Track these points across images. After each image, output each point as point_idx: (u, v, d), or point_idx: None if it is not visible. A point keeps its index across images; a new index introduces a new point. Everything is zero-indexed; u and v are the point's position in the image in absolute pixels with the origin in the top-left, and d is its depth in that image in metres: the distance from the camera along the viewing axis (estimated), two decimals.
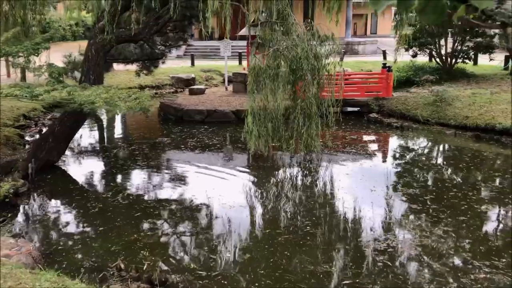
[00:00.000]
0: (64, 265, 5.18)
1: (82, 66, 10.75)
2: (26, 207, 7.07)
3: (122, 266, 5.04)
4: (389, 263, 5.22)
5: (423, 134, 11.70)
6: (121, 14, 9.69)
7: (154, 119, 14.31)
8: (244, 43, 24.65)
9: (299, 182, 8.62)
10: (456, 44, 15.92)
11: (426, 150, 10.02)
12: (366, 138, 11.94)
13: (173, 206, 7.14)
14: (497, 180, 8.09)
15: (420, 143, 10.61)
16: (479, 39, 15.45)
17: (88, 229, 6.31)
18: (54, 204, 7.17)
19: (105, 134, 12.09)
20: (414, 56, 16.48)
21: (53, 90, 6.84)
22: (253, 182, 8.55)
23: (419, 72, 15.74)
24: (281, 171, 9.15)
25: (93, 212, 6.87)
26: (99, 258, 5.41)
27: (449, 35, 16.00)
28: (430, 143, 10.71)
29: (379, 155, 10.14)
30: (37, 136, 11.62)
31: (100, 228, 6.30)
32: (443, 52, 16.31)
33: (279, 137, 10.13)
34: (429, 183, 8.09)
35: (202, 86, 17.62)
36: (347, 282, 4.86)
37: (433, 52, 16.40)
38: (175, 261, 5.36)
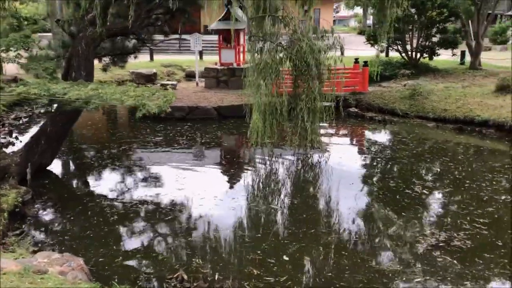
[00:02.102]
0: (116, 279, 4.75)
1: (69, 61, 9.99)
2: (38, 216, 6.41)
3: (185, 276, 4.69)
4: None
5: (406, 127, 12.05)
6: (112, 6, 9.07)
7: (128, 116, 13.63)
8: (210, 37, 24.28)
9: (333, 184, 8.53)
10: (421, 39, 16.58)
11: (417, 143, 10.31)
12: (354, 132, 12.10)
13: (198, 209, 6.80)
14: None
15: (409, 136, 10.91)
16: (444, 35, 16.20)
17: (119, 238, 5.84)
18: (67, 212, 6.56)
19: (85, 133, 11.28)
20: (383, 51, 16.96)
21: (71, 87, 6.22)
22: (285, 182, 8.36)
23: (388, 67, 16.23)
24: (297, 169, 9.03)
25: (114, 219, 6.38)
26: (150, 268, 5.02)
27: (415, 30, 16.64)
28: (417, 136, 11.04)
29: (375, 149, 10.30)
30: (8, 138, 10.65)
31: (132, 237, 5.86)
32: (408, 47, 16.93)
33: (283, 132, 10.08)
34: (438, 175, 8.33)
35: (174, 82, 17.04)
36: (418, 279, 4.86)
37: (399, 47, 16.96)
38: (234, 267, 5.08)
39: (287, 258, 5.26)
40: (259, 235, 5.88)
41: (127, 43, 13.37)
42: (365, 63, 14.29)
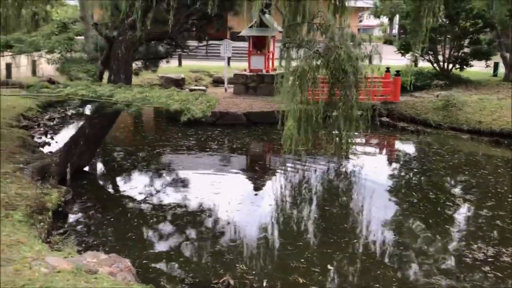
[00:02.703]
0: (162, 282, 4.74)
1: (104, 64, 10.14)
2: (79, 216, 6.47)
3: (231, 282, 4.65)
4: None
5: (440, 139, 11.84)
6: (152, 10, 9.16)
7: (160, 121, 13.72)
8: (236, 44, 24.35)
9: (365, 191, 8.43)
10: (453, 50, 16.35)
11: (452, 155, 10.11)
12: (387, 142, 11.95)
13: (236, 214, 6.76)
14: None
15: (444, 148, 10.71)
16: (477, 46, 15.95)
17: (161, 240, 5.84)
18: (107, 213, 6.60)
19: (118, 136, 11.39)
20: (415, 61, 16.77)
21: (117, 90, 6.28)
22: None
23: (420, 77, 16.02)
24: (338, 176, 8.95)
25: (153, 221, 6.39)
26: (195, 272, 4.99)
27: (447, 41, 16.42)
28: (452, 147, 10.83)
29: (410, 159, 10.13)
30: (44, 138, 10.83)
31: (174, 239, 5.85)
32: (440, 58, 16.71)
33: (317, 140, 10.00)
34: (478, 187, 8.14)
35: (202, 87, 17.14)
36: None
37: (431, 57, 16.75)
38: (279, 275, 5.01)
39: (331, 268, 5.18)
40: (301, 243, 5.81)
41: (160, 48, 13.52)
42: (397, 73, 14.13)
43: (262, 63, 15.92)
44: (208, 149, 10.51)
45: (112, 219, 6.42)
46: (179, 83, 19.01)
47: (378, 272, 5.11)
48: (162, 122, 13.40)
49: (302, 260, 5.31)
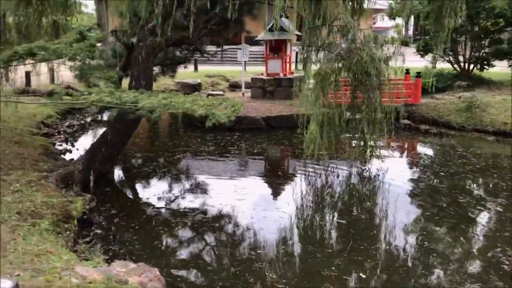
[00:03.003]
0: None
1: (123, 70, 10.13)
2: (104, 224, 6.41)
3: None
4: None
5: (465, 141, 11.59)
6: (172, 16, 9.14)
7: (177, 126, 13.69)
8: (251, 48, 24.29)
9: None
10: (473, 50, 16.04)
11: (479, 158, 9.86)
12: (410, 145, 11.73)
13: (263, 221, 6.65)
14: None
15: (469, 150, 10.45)
16: (499, 46, 15.62)
17: (187, 248, 5.76)
18: (132, 221, 6.54)
19: (138, 142, 11.37)
20: (434, 62, 16.51)
21: (141, 96, 6.22)
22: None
23: (440, 78, 15.74)
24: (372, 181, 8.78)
25: (179, 229, 6.33)
26: (224, 281, 4.89)
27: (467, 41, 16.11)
28: (478, 150, 10.57)
29: (436, 163, 9.89)
30: (64, 145, 10.85)
31: (200, 247, 5.76)
32: (460, 58, 16.41)
33: (340, 144, 9.86)
34: (510, 192, 7.90)
35: (220, 92, 17.10)
36: None
37: (451, 58, 16.45)
38: (311, 284, 4.88)
39: (364, 276, 5.02)
40: (330, 250, 5.67)
41: (177, 53, 13.52)
42: (418, 74, 13.90)
43: (279, 67, 15.81)
44: (228, 154, 10.44)
45: (137, 227, 6.36)
46: (195, 88, 19.02)
47: (413, 280, 4.95)
48: (179, 127, 13.37)
49: (333, 268, 5.17)
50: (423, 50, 16.61)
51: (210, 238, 6.09)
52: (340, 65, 8.84)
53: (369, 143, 8.74)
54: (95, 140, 10.51)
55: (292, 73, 16.54)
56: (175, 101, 5.89)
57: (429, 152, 10.98)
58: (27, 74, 15.52)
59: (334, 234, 6.28)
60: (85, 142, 11.86)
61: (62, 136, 11.56)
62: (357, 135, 8.78)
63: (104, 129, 14.04)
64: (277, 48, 15.82)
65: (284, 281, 4.89)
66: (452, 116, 12.95)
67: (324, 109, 8.61)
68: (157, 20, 8.50)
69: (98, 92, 6.32)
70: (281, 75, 15.74)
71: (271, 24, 15.55)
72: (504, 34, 16.20)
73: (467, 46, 16.22)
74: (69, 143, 11.07)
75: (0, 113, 10.03)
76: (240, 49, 17.05)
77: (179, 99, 6.08)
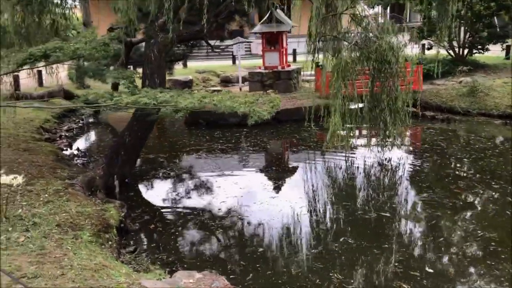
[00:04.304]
0: None
1: (143, 70, 9.72)
2: (140, 231, 6.10)
3: None
4: None
5: (474, 126, 11.62)
6: (183, 10, 8.82)
7: (179, 125, 13.32)
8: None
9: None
10: (468, 35, 16.15)
11: (494, 141, 9.88)
12: (422, 132, 11.64)
13: (304, 218, 6.44)
14: None
15: (482, 134, 10.46)
16: (491, 29, 15.75)
17: (240, 252, 5.50)
18: (168, 226, 6.24)
19: (147, 143, 10.94)
20: (429, 48, 16.55)
21: (178, 95, 5.90)
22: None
23: (437, 64, 15.75)
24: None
25: (220, 232, 6.07)
26: (291, 284, 4.66)
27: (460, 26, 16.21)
28: (490, 134, 10.60)
29: (454, 149, 9.84)
30: (69, 149, 10.39)
31: (251, 249, 5.51)
32: (454, 43, 16.50)
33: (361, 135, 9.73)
34: None
35: (218, 88, 16.76)
36: None
37: (445, 43, 16.51)
38: (382, 282, 4.71)
39: (431, 270, 4.88)
40: (386, 245, 5.50)
41: (176, 50, 13.14)
42: (419, 61, 13.86)
43: (277, 60, 15.56)
44: (244, 151, 10.18)
45: (176, 232, 6.06)
46: (187, 85, 18.57)
47: (484, 270, 4.84)
48: (182, 126, 12.98)
49: (397, 264, 5.01)
50: (418, 37, 16.60)
51: (257, 239, 5.85)
52: (358, 54, 8.72)
53: (391, 133, 8.62)
54: (98, 142, 10.14)
55: (289, 65, 16.32)
56: (216, 100, 5.60)
57: (443, 138, 10.92)
58: (16, 79, 14.83)
59: (383, 227, 6.11)
60: (89, 145, 11.42)
61: (64, 140, 11.06)
62: (378, 125, 8.65)
63: (98, 130, 13.67)
64: (274, 41, 15.57)
65: (352, 281, 4.71)
66: (455, 101, 12.99)
67: (343, 100, 8.48)
68: (168, 15, 8.18)
69: (125, 94, 5.98)
70: (279, 68, 15.50)
71: (266, 16, 15.37)
72: (495, 18, 16.34)
73: (461, 31, 16.32)
74: (74, 148, 10.59)
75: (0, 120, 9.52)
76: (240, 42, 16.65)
77: (216, 97, 5.79)
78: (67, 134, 11.85)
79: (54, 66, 9.00)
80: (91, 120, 14.37)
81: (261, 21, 15.40)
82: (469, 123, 11.85)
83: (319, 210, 6.78)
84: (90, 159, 9.49)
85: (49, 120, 12.59)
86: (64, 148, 10.26)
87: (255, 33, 15.87)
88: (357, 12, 8.95)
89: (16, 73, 14.65)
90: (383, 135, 8.69)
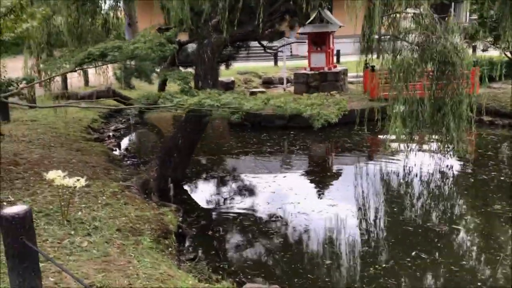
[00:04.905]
0: None
1: (197, 71, 9.59)
2: (198, 237, 5.88)
3: None
4: None
5: None
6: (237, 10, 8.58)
7: (226, 126, 13.14)
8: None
9: None
10: None
11: None
12: (481, 138, 10.97)
13: (370, 226, 6.08)
14: None
15: None
16: None
17: (300, 261, 5.21)
18: (227, 232, 6.01)
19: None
20: (485, 50, 15.78)
21: (242, 98, 5.67)
22: None
23: (495, 67, 14.99)
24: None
25: (284, 239, 5.79)
26: None
27: None
28: None
29: None
30: (118, 150, 10.36)
31: (317, 260, 5.21)
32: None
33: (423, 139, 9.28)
34: None
35: (263, 89, 16.54)
36: None
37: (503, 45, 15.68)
38: None
39: None
40: (464, 262, 5.07)
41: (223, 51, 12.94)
42: (475, 63, 13.20)
43: (324, 61, 15.18)
44: (294, 154, 9.90)
45: (235, 240, 5.83)
46: (229, 87, 18.46)
47: None
48: (227, 128, 12.78)
49: (480, 284, 4.58)
50: (470, 37, 15.86)
51: (318, 249, 5.54)
52: (421, 55, 8.28)
53: (455, 138, 8.12)
54: (146, 143, 10.05)
55: (336, 66, 15.91)
56: (280, 102, 5.32)
57: (508, 145, 10.26)
58: (64, 78, 15.03)
59: (458, 241, 5.68)
60: (137, 146, 11.39)
61: (113, 140, 11.05)
62: (440, 131, 8.17)
63: (144, 130, 13.66)
64: (320, 41, 15.20)
65: None
66: None
67: (407, 103, 8.08)
68: (222, 15, 8.00)
69: (194, 95, 5.79)
70: (326, 69, 15.11)
71: (313, 16, 15.00)
72: None
73: None
74: (122, 148, 10.57)
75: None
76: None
77: (281, 99, 5.51)
78: (115, 134, 11.85)
79: (105, 66, 8.99)
80: (136, 120, 14.37)
81: (308, 21, 15.04)
82: None
83: (384, 220, 6.39)
84: (140, 160, 9.39)
85: (97, 120, 12.66)
86: (114, 149, 10.23)
87: (302, 33, 15.52)
88: (419, 11, 8.54)
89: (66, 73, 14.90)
90: (446, 140, 8.21)
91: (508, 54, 15.70)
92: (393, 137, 8.28)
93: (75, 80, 17.27)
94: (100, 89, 14.62)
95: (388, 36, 8.59)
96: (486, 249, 5.38)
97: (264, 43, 13.27)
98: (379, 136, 10.82)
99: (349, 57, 21.08)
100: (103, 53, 6.65)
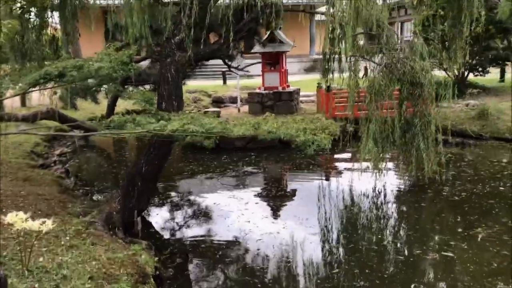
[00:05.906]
0: None
1: (159, 91, 8.95)
2: (177, 279, 5.26)
3: None
4: None
5: (492, 150, 11.26)
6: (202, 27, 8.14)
7: (182, 149, 12.47)
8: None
9: None
10: (469, 57, 16.04)
11: None
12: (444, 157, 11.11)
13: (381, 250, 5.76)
14: None
15: (509, 160, 10.10)
16: (489, 52, 15.73)
17: None
18: (210, 270, 5.45)
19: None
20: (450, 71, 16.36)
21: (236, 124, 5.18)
22: None
23: (438, 87, 15.56)
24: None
25: (268, 278, 5.30)
26: None
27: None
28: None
29: (489, 175, 9.31)
30: (67, 178, 9.43)
31: None
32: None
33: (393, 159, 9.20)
34: None
35: (216, 109, 16.05)
36: None
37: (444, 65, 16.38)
38: None
39: None
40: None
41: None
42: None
43: (278, 80, 15.02)
44: (259, 178, 9.48)
45: (220, 280, 5.26)
46: None
47: None
48: (181, 151, 12.14)
49: None
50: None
51: (312, 280, 5.13)
52: (390, 76, 8.26)
53: (425, 159, 8.11)
54: (96, 169, 9.20)
55: (289, 86, 15.80)
56: (272, 127, 4.91)
57: (470, 163, 10.40)
58: None
59: (452, 271, 5.49)
60: (87, 172, 10.48)
61: (60, 166, 10.08)
62: (410, 151, 8.16)
63: (91, 154, 12.70)
64: (274, 61, 15.05)
65: None
66: (465, 125, 12.67)
67: (377, 124, 8.03)
68: (185, 32, 7.58)
69: (158, 119, 5.24)
70: (280, 89, 14.95)
71: (266, 36, 14.83)
72: (495, 41, 16.35)
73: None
74: (72, 175, 9.64)
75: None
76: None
77: (273, 124, 5.11)
78: (61, 159, 10.86)
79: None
80: (81, 143, 13.34)
81: (261, 41, 14.86)
82: (485, 147, 11.51)
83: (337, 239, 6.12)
84: (94, 188, 8.56)
85: (39, 143, 11.58)
86: (63, 176, 9.28)
87: (255, 53, 15.28)
88: (385, 32, 8.52)
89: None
90: (416, 161, 8.20)
91: (450, 74, 16.42)
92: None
93: (8, 100, 15.88)
94: (42, 110, 13.49)
95: (355, 57, 8.50)
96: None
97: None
98: (341, 155, 10.74)
99: (295, 76, 21.26)
100: (61, 73, 5.94)
